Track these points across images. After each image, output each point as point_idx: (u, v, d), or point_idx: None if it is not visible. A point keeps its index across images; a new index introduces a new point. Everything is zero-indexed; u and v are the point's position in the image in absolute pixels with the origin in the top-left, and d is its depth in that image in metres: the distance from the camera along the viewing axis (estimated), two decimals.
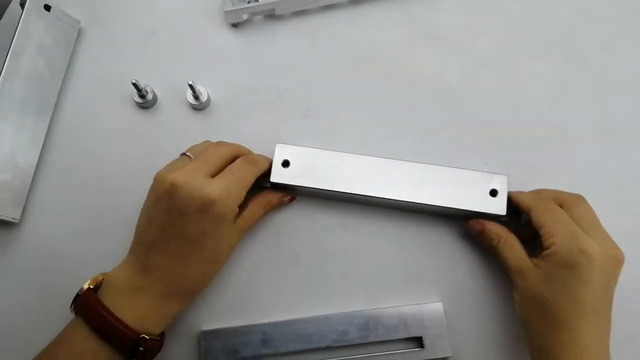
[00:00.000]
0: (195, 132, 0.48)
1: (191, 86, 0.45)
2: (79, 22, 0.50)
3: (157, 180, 0.38)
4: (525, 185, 0.43)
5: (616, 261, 0.36)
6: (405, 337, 0.41)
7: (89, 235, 0.45)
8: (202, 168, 0.38)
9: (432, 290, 0.43)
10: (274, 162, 0.42)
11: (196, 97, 0.47)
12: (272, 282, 0.44)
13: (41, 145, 0.46)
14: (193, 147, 0.42)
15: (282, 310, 0.43)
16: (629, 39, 0.50)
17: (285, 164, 0.43)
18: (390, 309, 0.42)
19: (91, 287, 0.37)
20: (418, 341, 0.41)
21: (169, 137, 0.48)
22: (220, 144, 0.42)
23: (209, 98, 0.48)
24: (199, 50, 0.50)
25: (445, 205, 0.41)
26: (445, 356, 0.41)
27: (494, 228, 0.41)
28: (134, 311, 0.36)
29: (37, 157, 0.46)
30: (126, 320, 0.35)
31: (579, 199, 0.39)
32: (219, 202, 0.37)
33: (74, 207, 0.46)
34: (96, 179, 0.46)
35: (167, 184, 0.37)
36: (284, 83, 0.49)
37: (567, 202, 0.39)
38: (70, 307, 0.37)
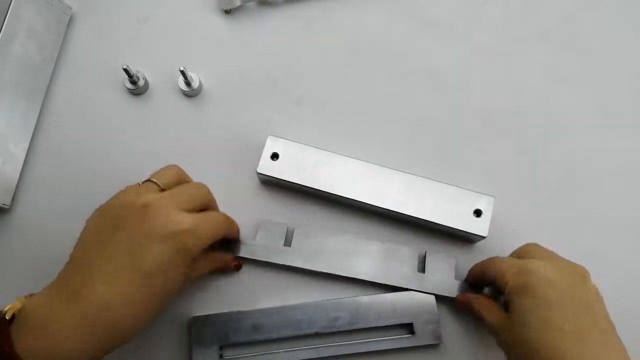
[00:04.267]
0: (186, 118, 0.47)
1: (183, 72, 0.45)
2: (71, 8, 0.50)
3: (122, 202, 0.35)
4: (520, 175, 0.43)
5: (577, 274, 0.35)
6: (395, 323, 0.41)
7: (80, 222, 0.44)
8: (175, 201, 0.35)
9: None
10: (263, 153, 0.43)
11: (188, 84, 0.47)
12: (263, 268, 0.44)
13: (32, 130, 0.46)
14: (158, 173, 0.38)
15: (273, 297, 0.43)
16: (627, 26, 0.50)
17: (275, 156, 0.43)
18: (381, 296, 0.42)
19: (6, 317, 0.31)
20: (408, 328, 0.41)
21: (161, 124, 0.47)
22: (193, 184, 0.39)
23: (200, 85, 0.48)
24: (191, 37, 0.50)
25: (428, 219, 0.42)
26: (435, 343, 0.41)
27: (473, 295, 0.41)
28: (32, 346, 0.30)
29: (28, 143, 0.46)
30: (21, 354, 0.29)
31: (528, 244, 0.39)
32: (191, 234, 0.34)
33: (65, 193, 0.46)
34: (87, 165, 0.46)
35: (138, 204, 0.33)
36: (277, 70, 0.49)
37: (518, 252, 0.39)
38: None
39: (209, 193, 0.39)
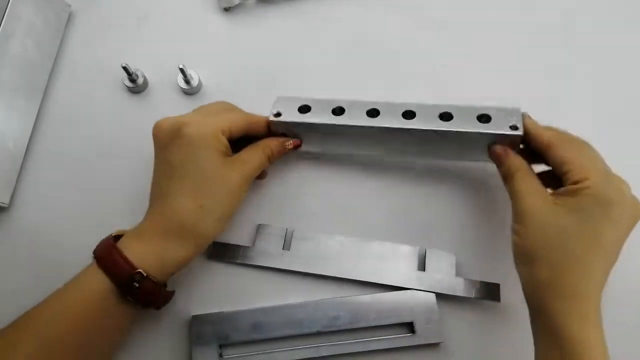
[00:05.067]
0: None
1: (182, 70, 0.45)
2: (70, 6, 0.50)
3: (161, 130, 0.39)
4: None
5: (637, 208, 0.35)
6: (395, 322, 0.41)
7: (79, 220, 0.45)
8: (193, 113, 0.39)
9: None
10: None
11: (187, 82, 0.47)
12: (263, 270, 0.43)
13: (31, 128, 0.46)
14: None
15: (273, 297, 0.43)
16: (626, 23, 0.50)
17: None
18: (381, 295, 0.42)
19: (112, 234, 0.38)
20: (409, 327, 0.41)
21: None
22: (213, 102, 0.43)
23: (200, 82, 0.47)
24: (190, 35, 0.50)
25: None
26: (436, 342, 0.41)
27: (516, 159, 0.38)
28: (136, 249, 0.36)
29: (27, 141, 0.46)
30: (128, 256, 0.36)
31: (584, 146, 0.37)
32: (189, 125, 0.37)
33: (63, 191, 0.45)
34: (86, 163, 0.46)
35: (154, 126, 0.39)
36: (276, 68, 0.49)
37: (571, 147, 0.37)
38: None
39: (229, 104, 0.43)
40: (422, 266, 0.42)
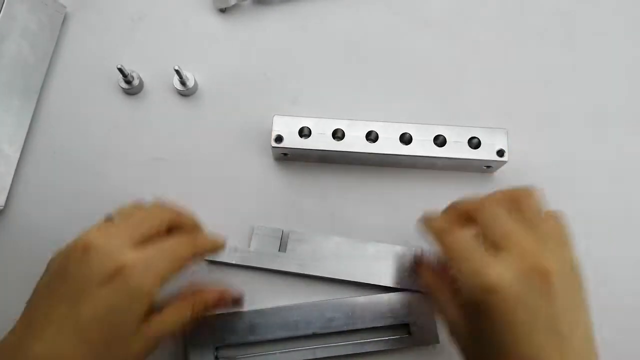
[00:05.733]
0: (181, 118, 0.47)
1: (177, 72, 0.45)
2: (65, 7, 0.49)
3: (66, 247, 0.31)
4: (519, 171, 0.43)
5: (540, 275, 0.27)
6: (392, 324, 0.41)
7: (75, 222, 0.44)
8: (124, 232, 0.30)
9: None
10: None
11: (183, 83, 0.46)
12: (258, 271, 0.43)
13: (26, 130, 0.46)
14: (122, 208, 0.34)
15: (268, 298, 0.42)
16: (623, 24, 0.50)
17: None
18: (377, 296, 0.42)
19: None
20: (405, 328, 0.41)
21: (155, 123, 0.47)
22: (157, 206, 0.34)
23: (196, 84, 0.47)
24: (186, 36, 0.50)
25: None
26: (432, 343, 0.41)
27: (425, 278, 0.36)
28: None
29: (22, 143, 0.45)
30: None
31: (493, 209, 0.31)
32: (132, 271, 0.29)
33: (59, 193, 0.45)
34: (82, 165, 0.46)
35: (79, 246, 0.30)
36: (272, 69, 0.48)
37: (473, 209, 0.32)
38: None
39: (170, 210, 0.34)
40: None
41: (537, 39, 0.49)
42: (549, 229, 0.30)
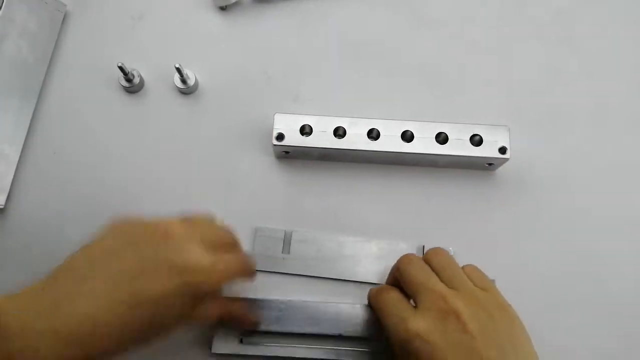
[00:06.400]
0: (182, 116, 0.47)
1: (178, 69, 0.45)
2: (65, 6, 0.49)
3: (145, 223, 0.32)
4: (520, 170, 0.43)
5: (455, 314, 0.31)
6: None
7: (75, 221, 0.44)
8: (199, 236, 0.33)
9: None
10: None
11: (183, 81, 0.46)
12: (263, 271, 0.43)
13: (26, 130, 0.46)
14: (196, 215, 0.36)
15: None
16: (622, 22, 0.49)
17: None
18: None
19: None
20: None
21: (157, 122, 0.47)
22: (223, 223, 0.38)
23: (196, 82, 0.47)
24: (186, 34, 0.49)
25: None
26: None
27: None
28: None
29: (22, 143, 0.45)
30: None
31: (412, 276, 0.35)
32: (202, 270, 0.31)
33: (59, 193, 0.45)
34: (82, 164, 0.46)
35: (161, 229, 0.32)
36: (273, 67, 0.48)
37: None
38: None
39: (234, 235, 0.37)
40: None
41: (539, 36, 0.49)
42: (458, 272, 0.34)
